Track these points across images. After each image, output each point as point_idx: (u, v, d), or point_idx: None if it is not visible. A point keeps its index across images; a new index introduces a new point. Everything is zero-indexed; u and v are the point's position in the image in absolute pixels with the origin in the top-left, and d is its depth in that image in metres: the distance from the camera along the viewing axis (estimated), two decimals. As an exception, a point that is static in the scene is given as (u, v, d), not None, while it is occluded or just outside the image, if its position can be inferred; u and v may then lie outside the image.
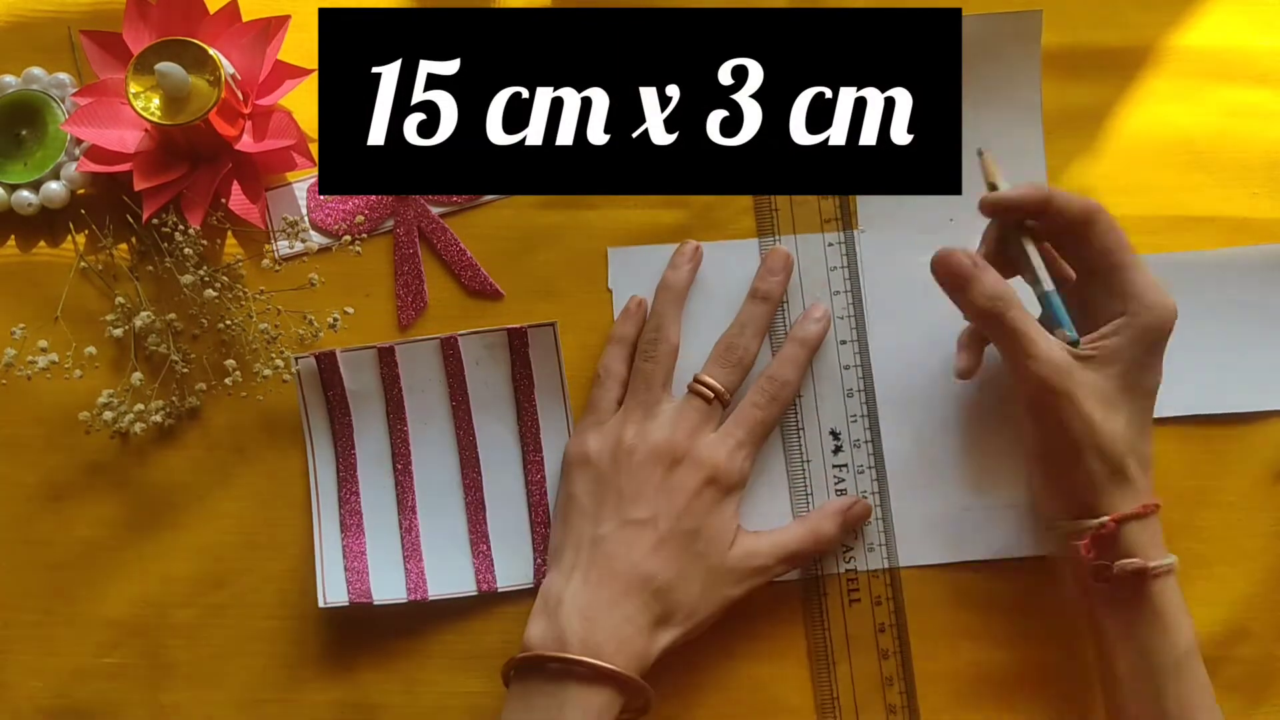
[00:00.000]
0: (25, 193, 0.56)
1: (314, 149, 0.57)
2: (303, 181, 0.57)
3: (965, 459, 0.54)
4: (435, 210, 0.57)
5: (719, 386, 0.52)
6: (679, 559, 0.49)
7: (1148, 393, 0.48)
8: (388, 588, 0.52)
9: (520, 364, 0.54)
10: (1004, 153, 0.54)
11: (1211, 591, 0.53)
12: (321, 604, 0.51)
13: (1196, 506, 0.54)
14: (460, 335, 0.54)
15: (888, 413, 0.55)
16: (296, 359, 0.53)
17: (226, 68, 0.54)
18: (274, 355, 0.53)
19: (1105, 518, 0.47)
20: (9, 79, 0.57)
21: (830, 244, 0.56)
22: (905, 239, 0.56)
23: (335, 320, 0.53)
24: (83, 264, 0.56)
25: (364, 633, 0.52)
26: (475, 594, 0.52)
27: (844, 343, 0.55)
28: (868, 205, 0.56)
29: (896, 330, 0.55)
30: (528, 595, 0.52)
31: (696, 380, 0.52)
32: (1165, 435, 0.54)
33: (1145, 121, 0.59)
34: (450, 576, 0.52)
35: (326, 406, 0.54)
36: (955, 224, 0.56)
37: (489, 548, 0.53)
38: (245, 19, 0.56)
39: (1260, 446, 0.55)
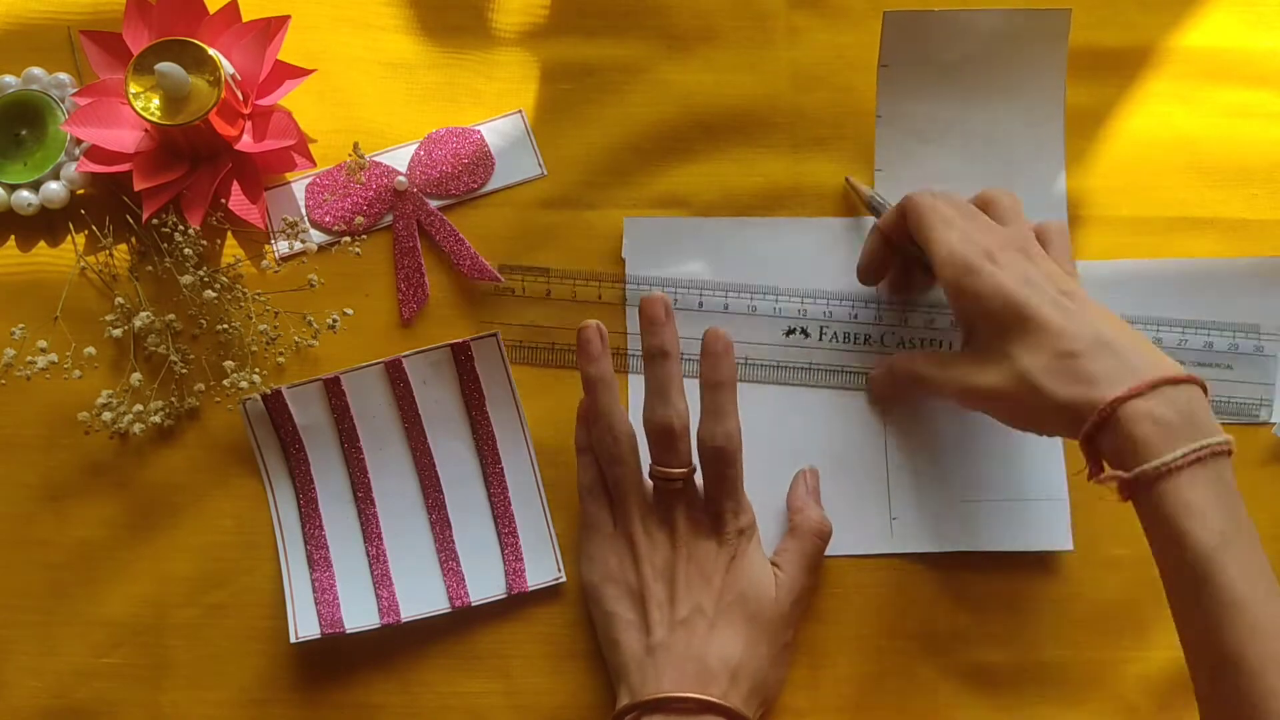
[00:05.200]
0: (25, 193, 0.56)
1: (314, 149, 0.57)
2: (302, 181, 0.57)
3: (965, 449, 0.54)
4: (433, 204, 0.57)
5: (680, 472, 0.49)
6: (739, 630, 0.48)
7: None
8: (360, 616, 0.52)
9: (468, 377, 0.54)
10: (1024, 150, 0.55)
11: (1210, 592, 0.53)
12: (293, 639, 0.51)
13: (1196, 507, 0.54)
14: (404, 356, 0.54)
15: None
16: (244, 401, 0.53)
17: (226, 68, 0.54)
18: (251, 371, 0.52)
19: (1092, 414, 0.42)
20: (9, 79, 0.57)
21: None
22: (921, 186, 0.56)
23: (334, 321, 0.53)
24: (82, 264, 0.56)
25: (364, 633, 0.52)
26: (449, 611, 0.52)
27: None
28: (886, 193, 0.56)
29: (908, 317, 0.56)
30: (528, 595, 0.52)
31: (655, 473, 0.50)
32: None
33: (1145, 122, 0.59)
34: (422, 597, 0.52)
35: (280, 445, 0.54)
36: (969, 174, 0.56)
37: (459, 564, 0.53)
38: (245, 19, 0.56)
39: (1259, 447, 0.55)
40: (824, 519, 0.52)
